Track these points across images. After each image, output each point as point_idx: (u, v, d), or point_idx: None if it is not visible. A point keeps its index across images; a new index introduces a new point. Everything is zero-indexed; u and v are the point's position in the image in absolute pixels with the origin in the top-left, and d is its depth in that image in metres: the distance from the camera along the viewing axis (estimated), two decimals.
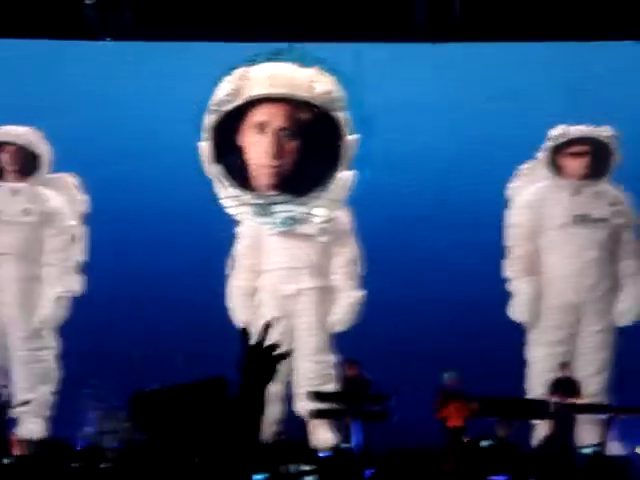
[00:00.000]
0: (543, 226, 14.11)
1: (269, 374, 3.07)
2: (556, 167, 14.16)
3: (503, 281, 13.93)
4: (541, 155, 14.09)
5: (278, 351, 3.14)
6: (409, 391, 12.39)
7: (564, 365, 13.44)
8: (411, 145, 13.85)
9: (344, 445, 12.33)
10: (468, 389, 12.34)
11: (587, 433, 13.09)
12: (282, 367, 3.24)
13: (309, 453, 11.78)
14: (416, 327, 13.39)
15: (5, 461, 9.92)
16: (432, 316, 13.41)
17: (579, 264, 13.96)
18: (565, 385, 13.09)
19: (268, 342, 3.15)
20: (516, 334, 13.79)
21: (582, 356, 13.91)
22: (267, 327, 3.19)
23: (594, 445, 12.52)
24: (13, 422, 13.35)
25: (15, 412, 13.38)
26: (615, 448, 12.71)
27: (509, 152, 13.85)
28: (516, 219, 14.10)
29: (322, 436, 13.17)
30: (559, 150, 14.12)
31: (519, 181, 14.12)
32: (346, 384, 13.16)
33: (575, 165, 14.19)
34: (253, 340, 3.15)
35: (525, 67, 14.00)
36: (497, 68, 14.01)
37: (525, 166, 14.10)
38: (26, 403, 13.51)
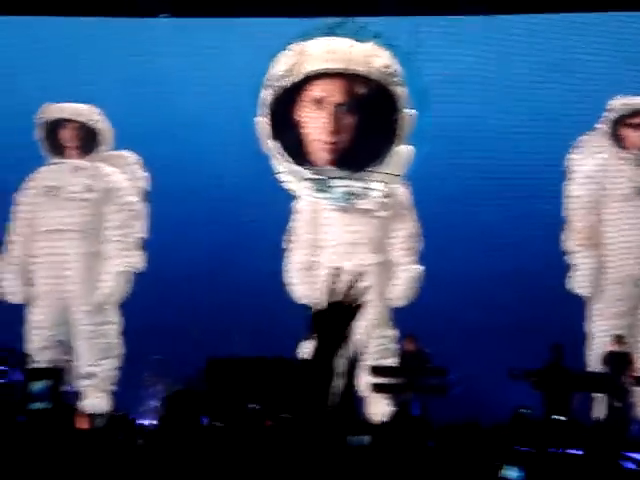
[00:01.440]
0: (605, 198, 13.96)
1: (345, 331, 2.95)
2: (617, 138, 14.00)
3: (562, 254, 13.83)
4: (601, 126, 13.94)
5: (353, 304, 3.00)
6: (468, 365, 12.40)
7: (619, 338, 13.31)
8: (468, 119, 13.77)
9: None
10: (529, 364, 12.29)
11: None
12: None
13: (370, 426, 11.79)
14: (474, 301, 13.35)
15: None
16: (491, 290, 13.35)
17: None
18: (618, 359, 12.97)
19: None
20: (576, 307, 13.71)
21: None
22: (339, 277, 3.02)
23: None
24: (77, 396, 13.53)
25: (79, 386, 13.57)
26: None
27: (566, 123, 13.72)
28: (577, 191, 13.96)
29: (382, 410, 13.19)
30: (620, 121, 13.95)
31: (579, 152, 13.97)
32: (405, 359, 13.18)
33: (637, 136, 14.02)
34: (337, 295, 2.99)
35: (584, 38, 13.83)
36: (554, 39, 13.86)
37: (584, 137, 13.94)
38: (90, 376, 13.69)
